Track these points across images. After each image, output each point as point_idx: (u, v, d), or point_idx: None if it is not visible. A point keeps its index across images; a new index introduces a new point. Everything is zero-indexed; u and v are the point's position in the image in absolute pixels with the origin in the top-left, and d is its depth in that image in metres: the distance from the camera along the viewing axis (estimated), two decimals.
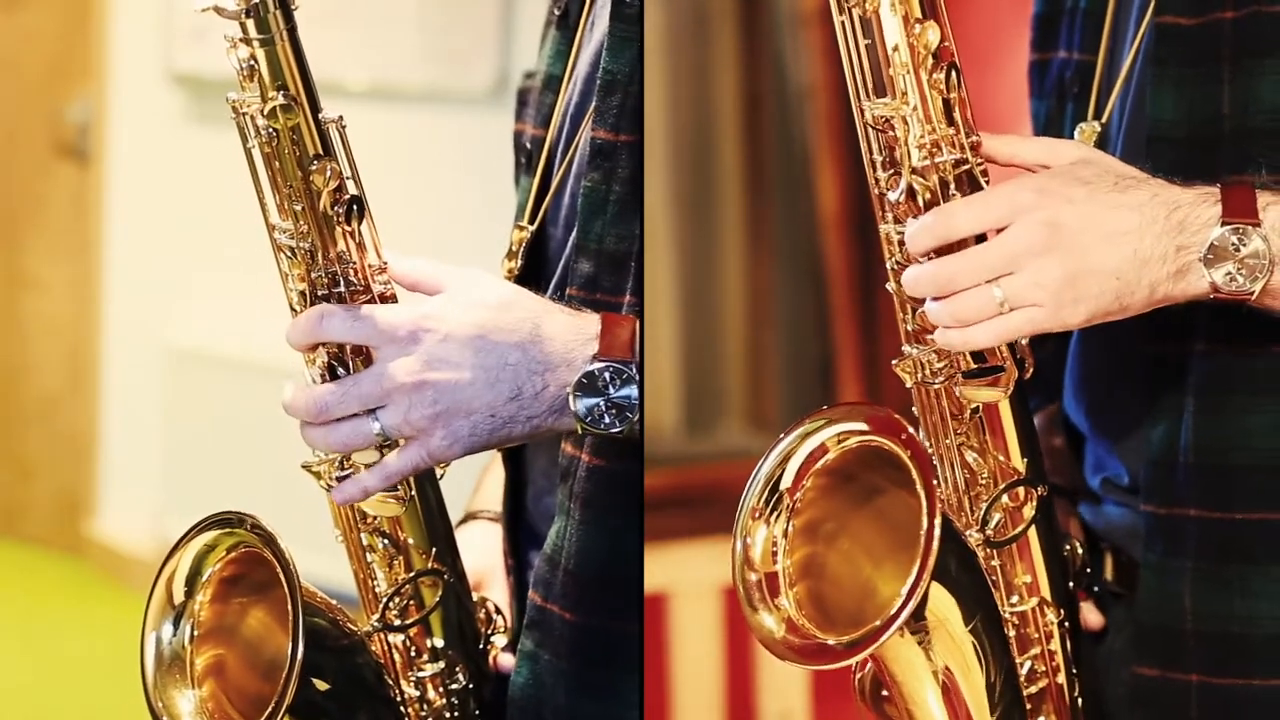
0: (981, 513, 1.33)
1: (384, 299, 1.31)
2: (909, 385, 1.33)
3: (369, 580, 1.39)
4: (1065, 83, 1.46)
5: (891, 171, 1.29)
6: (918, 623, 1.27)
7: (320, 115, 1.28)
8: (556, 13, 1.50)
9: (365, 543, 1.38)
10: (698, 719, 3.06)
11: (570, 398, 1.28)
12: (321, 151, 1.28)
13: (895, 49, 1.27)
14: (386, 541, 1.37)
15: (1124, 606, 1.41)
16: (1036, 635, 1.37)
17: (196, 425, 4.48)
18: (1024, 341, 1.31)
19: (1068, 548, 1.41)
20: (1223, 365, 1.31)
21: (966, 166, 1.28)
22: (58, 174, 4.82)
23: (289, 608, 1.29)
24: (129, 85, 4.63)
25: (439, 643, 1.41)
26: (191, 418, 4.50)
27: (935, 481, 1.24)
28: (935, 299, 1.26)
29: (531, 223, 1.46)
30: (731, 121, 3.27)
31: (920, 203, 1.28)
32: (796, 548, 1.30)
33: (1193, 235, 1.23)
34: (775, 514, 1.30)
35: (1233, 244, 1.23)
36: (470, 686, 1.42)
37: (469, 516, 1.57)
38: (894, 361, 1.33)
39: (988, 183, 1.29)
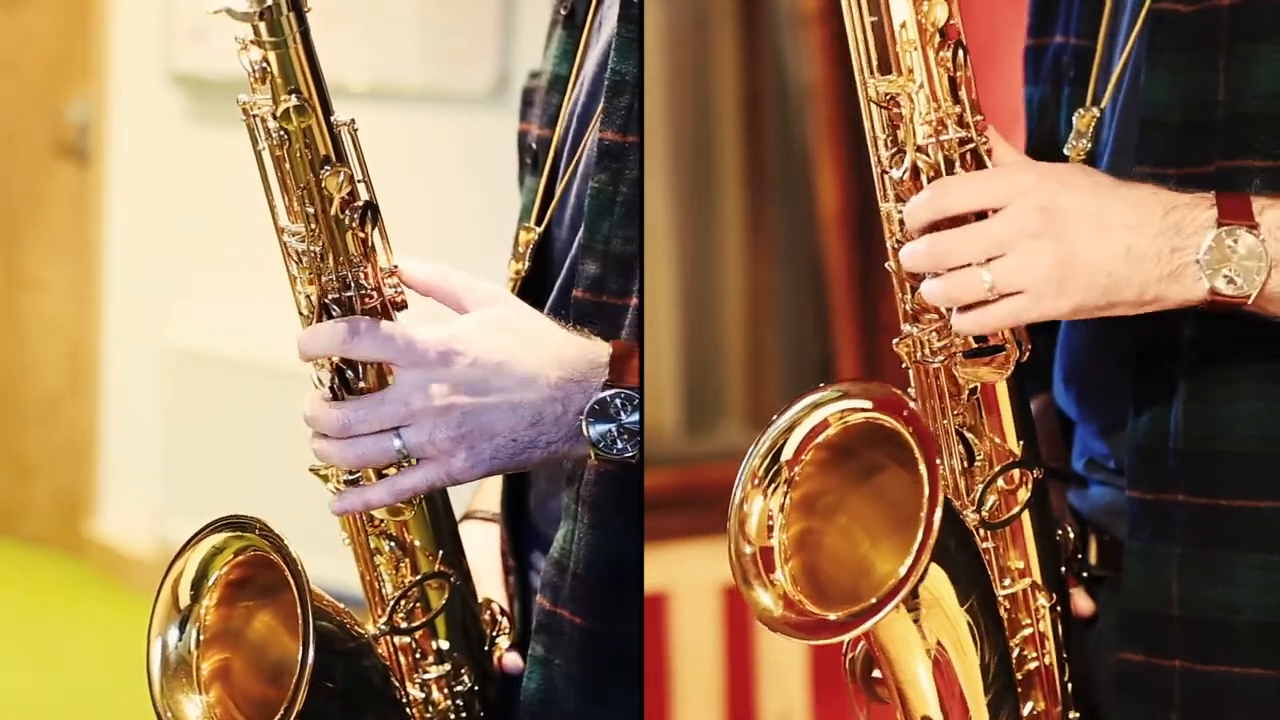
0: (977, 494, 1.33)
1: (395, 304, 1.31)
2: (906, 366, 1.32)
3: (375, 583, 1.39)
4: (1061, 67, 1.46)
5: (895, 150, 1.29)
6: (913, 599, 1.26)
7: (333, 118, 1.27)
8: (563, 12, 1.49)
9: (373, 545, 1.38)
10: (698, 719, 3.06)
11: (584, 424, 1.29)
12: (333, 154, 1.27)
13: (903, 25, 1.27)
14: (393, 544, 1.37)
15: (1109, 589, 1.41)
16: (1028, 619, 1.36)
17: (196, 425, 4.48)
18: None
19: (1060, 533, 1.41)
20: (1212, 352, 1.31)
21: (971, 145, 1.28)
22: (58, 174, 4.82)
23: (298, 612, 1.28)
24: (129, 85, 4.63)
25: (444, 645, 1.41)
26: (191, 418, 4.50)
27: (938, 460, 1.24)
28: (931, 275, 1.26)
29: (538, 224, 1.46)
30: (731, 121, 3.27)
31: (924, 181, 1.27)
32: (793, 522, 1.30)
33: (1188, 238, 1.23)
34: (773, 486, 1.30)
35: (1229, 246, 1.22)
36: (475, 688, 1.42)
37: (465, 516, 1.57)
38: (895, 340, 1.32)
39: (993, 162, 1.29)
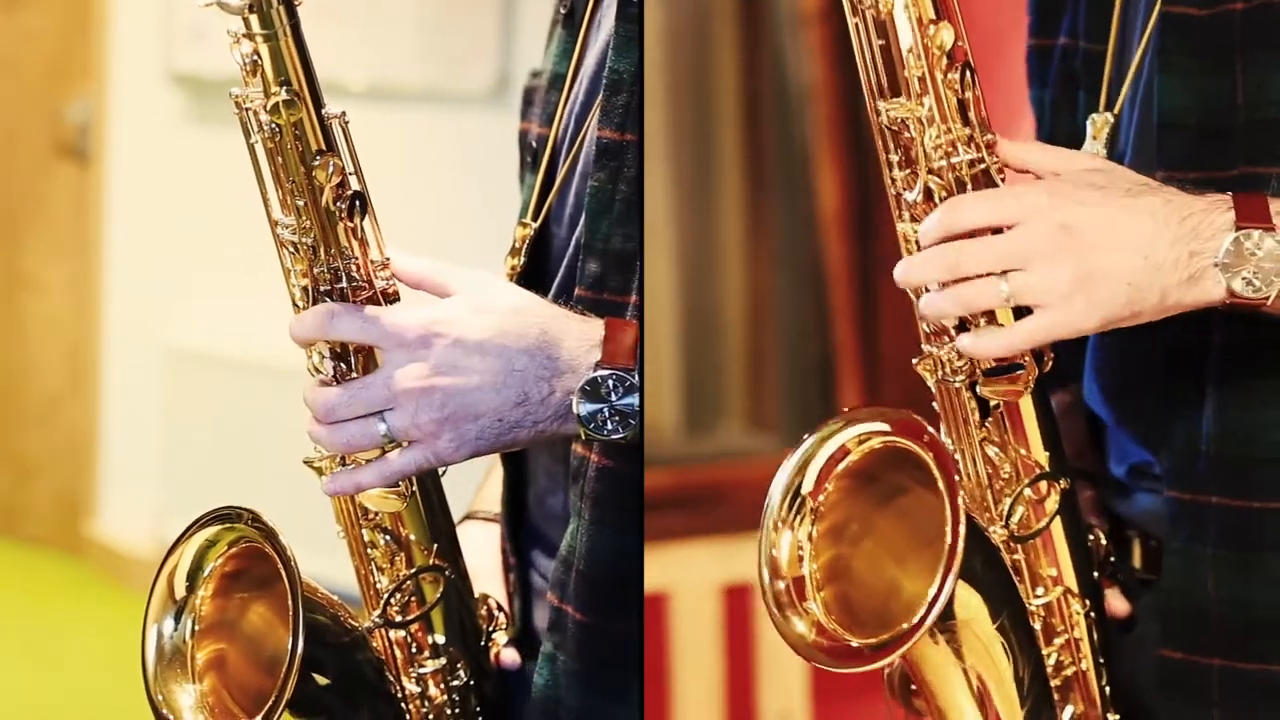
0: (1005, 508, 1.33)
1: (386, 295, 1.31)
2: (930, 384, 1.33)
3: (370, 576, 1.39)
4: (1074, 71, 1.46)
5: (908, 171, 1.29)
6: (945, 623, 1.27)
7: (323, 110, 1.28)
8: (562, 11, 1.50)
9: (367, 539, 1.38)
10: (698, 719, 3.06)
11: (574, 403, 1.29)
12: (324, 147, 1.28)
13: (910, 50, 1.27)
14: (388, 537, 1.38)
15: (1153, 593, 1.41)
16: (1063, 626, 1.37)
17: (196, 425, 4.48)
18: None
19: (1091, 537, 1.41)
20: (1240, 357, 1.32)
21: (983, 165, 1.28)
22: (58, 174, 4.82)
23: (289, 603, 1.29)
24: (129, 85, 4.63)
25: (440, 639, 1.41)
26: (191, 418, 4.50)
27: (958, 478, 1.24)
28: (941, 286, 1.26)
29: (535, 220, 1.47)
30: (731, 121, 3.27)
31: (938, 202, 1.28)
32: (822, 550, 1.31)
33: (1206, 241, 1.23)
34: (799, 519, 1.30)
35: (1249, 249, 1.23)
36: (471, 683, 1.42)
37: (465, 517, 1.57)
38: (914, 360, 1.33)
39: (1004, 181, 1.29)
